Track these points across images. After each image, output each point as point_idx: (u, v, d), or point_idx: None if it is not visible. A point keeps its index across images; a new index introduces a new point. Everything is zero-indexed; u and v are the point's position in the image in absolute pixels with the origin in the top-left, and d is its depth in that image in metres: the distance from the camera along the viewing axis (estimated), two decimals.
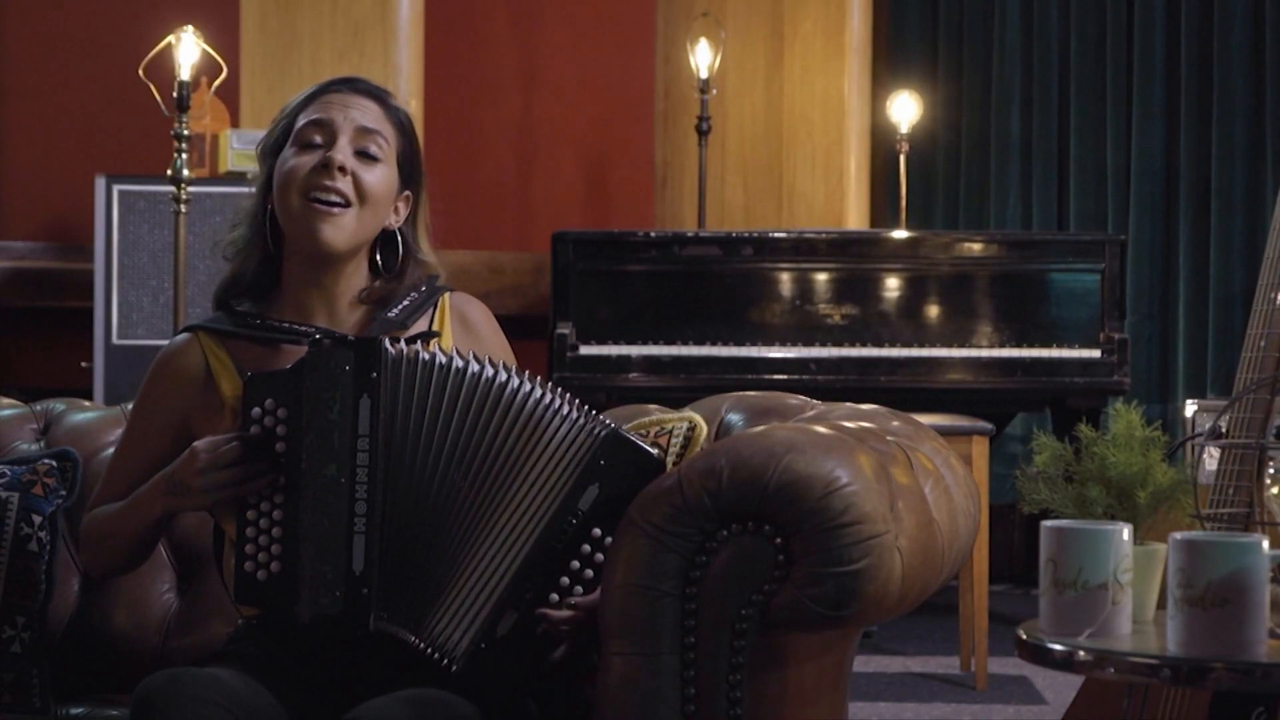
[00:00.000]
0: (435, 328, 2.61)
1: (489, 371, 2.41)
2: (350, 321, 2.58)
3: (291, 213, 2.53)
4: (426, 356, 2.41)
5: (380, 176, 2.56)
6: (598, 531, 2.37)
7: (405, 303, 2.59)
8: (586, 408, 2.44)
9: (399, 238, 2.61)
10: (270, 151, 2.58)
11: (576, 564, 2.39)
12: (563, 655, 2.38)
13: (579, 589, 2.38)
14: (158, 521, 2.53)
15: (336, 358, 2.37)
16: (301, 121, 2.56)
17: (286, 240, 2.57)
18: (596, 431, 2.40)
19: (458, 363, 2.41)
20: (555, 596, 2.37)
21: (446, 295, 2.65)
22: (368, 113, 2.57)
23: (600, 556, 2.37)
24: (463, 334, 2.63)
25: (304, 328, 2.55)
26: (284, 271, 2.59)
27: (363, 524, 2.36)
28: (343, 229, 2.52)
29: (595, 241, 5.97)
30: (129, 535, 2.55)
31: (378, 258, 2.61)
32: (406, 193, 2.62)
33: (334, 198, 2.51)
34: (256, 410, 2.39)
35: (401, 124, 2.61)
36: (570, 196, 7.62)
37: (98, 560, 2.62)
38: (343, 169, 2.52)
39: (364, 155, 2.55)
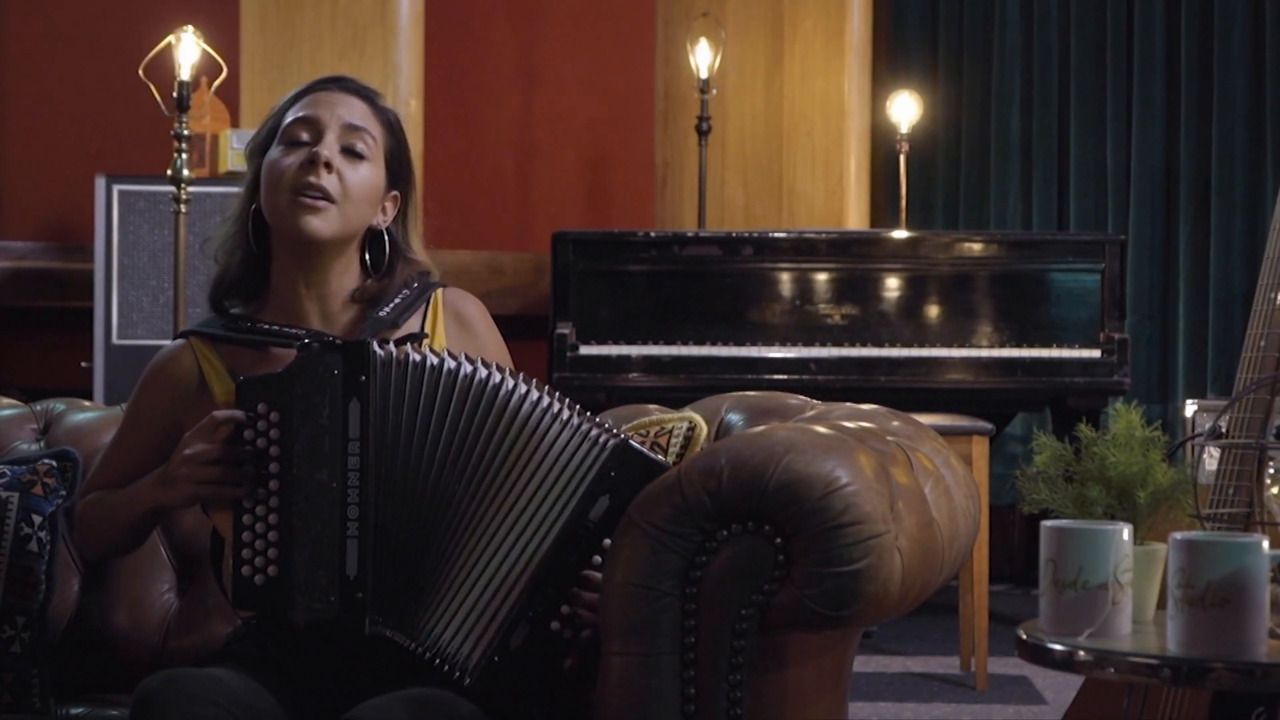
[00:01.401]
0: (428, 325, 2.61)
1: (482, 373, 2.40)
2: (342, 321, 2.58)
3: (278, 209, 2.53)
4: (416, 358, 2.39)
5: (365, 174, 2.56)
6: (608, 542, 2.35)
7: (396, 300, 2.58)
8: (588, 413, 2.42)
9: (386, 237, 2.60)
10: (258, 150, 2.59)
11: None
12: (572, 664, 2.37)
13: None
14: (146, 514, 2.54)
15: (325, 362, 2.37)
16: (289, 119, 2.56)
17: (274, 238, 2.57)
18: (605, 441, 2.38)
19: (449, 364, 2.40)
20: (567, 608, 2.36)
21: (440, 291, 2.64)
22: (355, 110, 2.57)
23: None
24: (457, 331, 2.62)
25: (294, 330, 2.54)
26: (273, 271, 2.59)
27: (355, 528, 2.35)
28: (328, 221, 2.52)
29: (595, 241, 5.97)
30: (120, 526, 2.58)
31: (367, 259, 2.61)
32: (394, 192, 2.61)
33: (319, 195, 2.51)
34: (249, 414, 2.39)
35: (389, 123, 2.61)
36: (570, 196, 7.62)
37: (89, 545, 2.65)
38: (328, 165, 2.52)
39: (350, 152, 2.55)
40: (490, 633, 2.35)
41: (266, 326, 2.56)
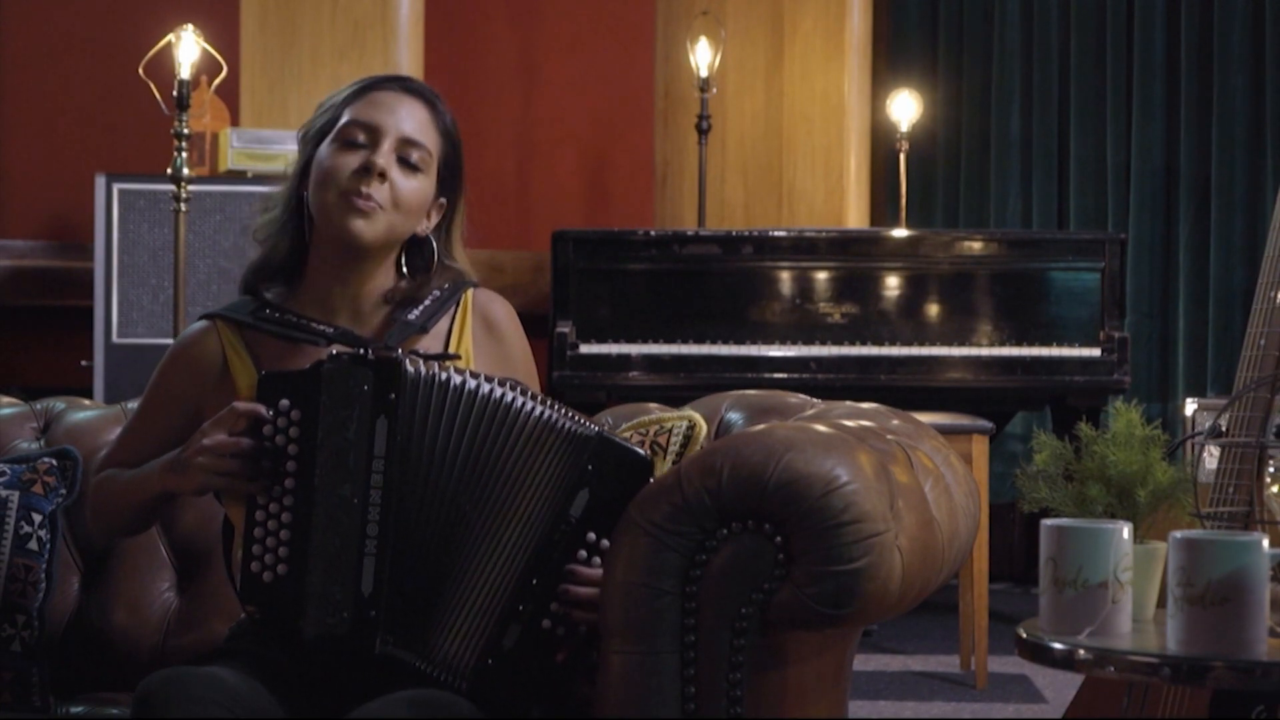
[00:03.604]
0: (456, 326, 2.60)
1: (497, 392, 2.39)
2: (372, 321, 2.57)
3: (325, 208, 2.52)
4: (443, 377, 2.38)
5: (417, 186, 2.55)
6: (592, 536, 2.36)
7: (427, 302, 2.57)
8: (574, 415, 2.42)
9: (430, 244, 2.60)
10: (312, 140, 2.56)
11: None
12: (564, 658, 2.37)
13: None
14: (156, 498, 2.53)
15: (355, 376, 2.35)
16: (347, 117, 2.54)
17: (316, 231, 2.56)
18: (579, 435, 2.38)
19: (469, 384, 2.39)
20: (556, 605, 2.36)
21: (470, 292, 2.63)
22: (415, 118, 2.56)
23: (597, 560, 2.36)
24: (485, 334, 2.62)
25: (324, 327, 2.54)
26: (310, 262, 2.58)
27: (374, 546, 2.34)
28: (374, 225, 2.51)
29: (595, 240, 5.97)
30: (129, 507, 2.56)
31: (403, 261, 2.60)
32: (441, 200, 2.60)
33: (369, 203, 2.50)
34: (270, 410, 2.38)
35: (447, 130, 2.59)
36: (570, 196, 7.62)
37: (99, 523, 2.63)
38: (382, 175, 2.51)
39: (404, 163, 2.53)
40: (484, 637, 2.35)
41: (295, 319, 2.55)
